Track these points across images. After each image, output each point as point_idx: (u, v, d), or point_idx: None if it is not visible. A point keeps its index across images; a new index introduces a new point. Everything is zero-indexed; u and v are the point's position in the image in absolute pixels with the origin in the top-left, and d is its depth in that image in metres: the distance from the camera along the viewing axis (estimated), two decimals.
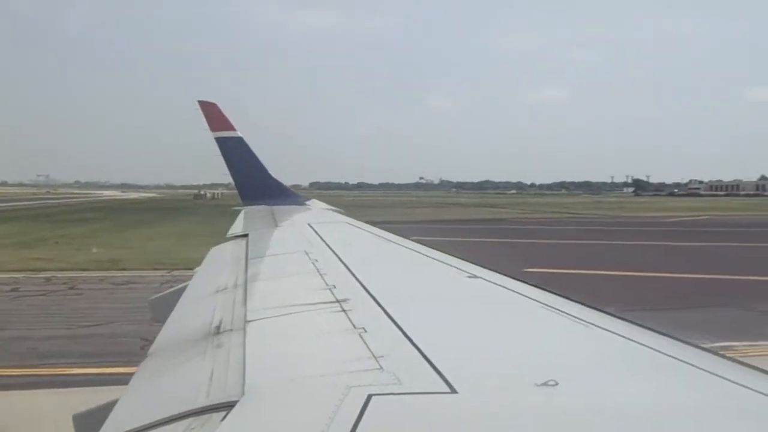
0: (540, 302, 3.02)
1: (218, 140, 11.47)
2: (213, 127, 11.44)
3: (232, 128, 11.55)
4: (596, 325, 2.56)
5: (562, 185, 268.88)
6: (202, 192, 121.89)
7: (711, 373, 1.95)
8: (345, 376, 1.90)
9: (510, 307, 3.10)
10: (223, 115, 11.56)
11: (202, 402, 1.92)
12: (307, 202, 11.96)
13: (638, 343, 2.30)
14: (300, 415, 1.71)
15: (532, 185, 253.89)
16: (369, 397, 1.70)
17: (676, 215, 65.65)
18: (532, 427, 1.60)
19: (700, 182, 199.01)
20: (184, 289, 4.51)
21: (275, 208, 10.08)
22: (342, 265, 4.18)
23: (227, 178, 12.15)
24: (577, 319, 2.67)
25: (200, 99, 11.62)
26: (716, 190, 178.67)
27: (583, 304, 2.97)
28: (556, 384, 1.77)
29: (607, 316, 2.73)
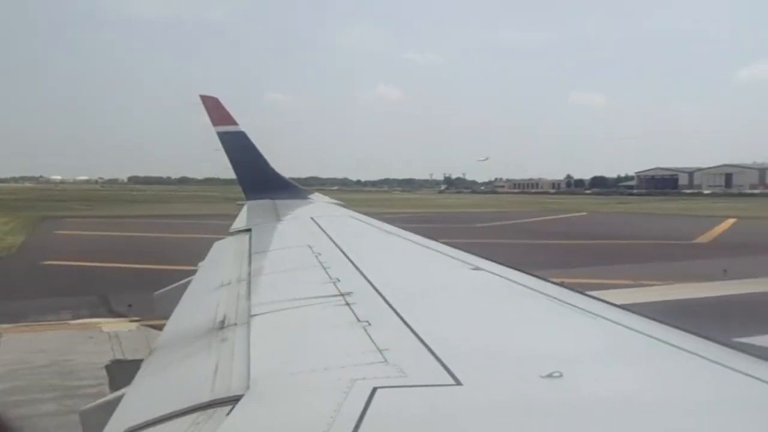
0: (543, 293, 3.01)
1: (220, 134, 11.41)
2: (215, 122, 11.38)
3: (234, 122, 11.50)
4: (600, 316, 2.56)
5: (386, 182, 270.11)
6: None
7: (718, 363, 1.94)
8: (350, 370, 1.91)
9: (514, 298, 3.10)
10: (224, 110, 11.50)
11: (207, 396, 1.91)
12: (310, 196, 11.84)
13: (643, 333, 2.29)
14: (305, 408, 1.71)
15: (358, 181, 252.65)
16: (374, 390, 1.70)
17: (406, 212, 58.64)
18: (537, 418, 1.59)
19: (506, 180, 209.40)
20: (188, 283, 4.52)
21: (278, 202, 10.06)
22: (346, 259, 4.18)
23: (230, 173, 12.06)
24: (581, 310, 2.66)
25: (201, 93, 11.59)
26: (519, 187, 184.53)
27: (586, 294, 2.96)
28: (561, 375, 1.77)
29: (612, 307, 2.72)
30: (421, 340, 2.17)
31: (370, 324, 2.45)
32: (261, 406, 1.77)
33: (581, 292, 3.01)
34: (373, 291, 3.07)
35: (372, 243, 5.93)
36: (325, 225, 6.56)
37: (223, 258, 5.46)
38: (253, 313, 2.87)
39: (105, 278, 19.31)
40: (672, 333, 2.30)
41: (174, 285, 4.95)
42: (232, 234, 7.01)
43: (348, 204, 10.73)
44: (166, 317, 3.58)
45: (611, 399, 1.72)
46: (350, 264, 3.95)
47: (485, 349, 2.19)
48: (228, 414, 1.71)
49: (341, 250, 4.58)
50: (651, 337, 2.25)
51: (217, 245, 6.46)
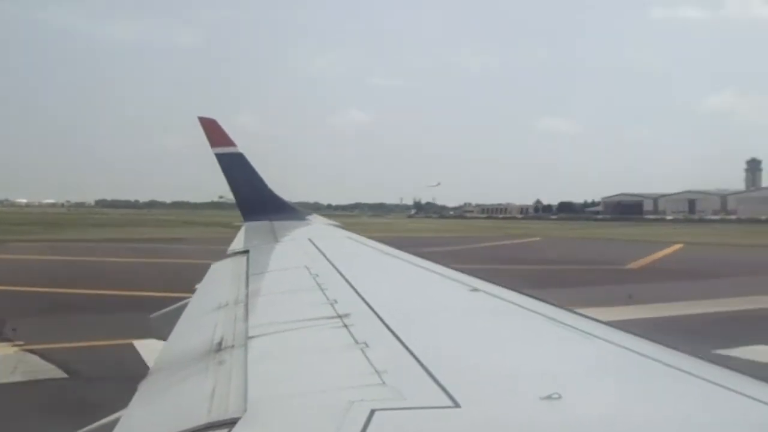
0: (541, 314, 3.00)
1: (218, 156, 11.40)
2: (213, 143, 11.37)
3: (232, 144, 11.50)
4: (598, 337, 2.56)
5: (357, 206, 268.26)
6: None
7: (716, 384, 1.94)
8: (347, 392, 1.89)
9: (512, 319, 3.10)
10: (222, 131, 11.51)
11: (204, 419, 1.90)
12: (308, 217, 11.84)
13: (641, 354, 2.29)
14: (303, 430, 1.71)
15: (329, 205, 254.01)
16: (372, 412, 1.69)
17: None
18: None
19: (475, 205, 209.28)
20: (185, 305, 4.49)
21: (276, 223, 10.02)
22: (343, 280, 4.16)
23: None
24: (579, 331, 2.66)
25: (199, 115, 11.56)
26: (487, 212, 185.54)
27: (584, 315, 2.96)
28: (560, 397, 1.76)
29: (609, 328, 2.72)
30: (419, 362, 2.17)
31: (367, 346, 2.44)
32: (258, 428, 1.76)
33: (579, 314, 3.01)
34: (371, 312, 3.06)
35: (370, 264, 5.93)
36: (323, 246, 6.52)
37: (220, 279, 5.45)
38: (250, 335, 2.86)
39: (8, 301, 18.75)
40: (670, 354, 2.30)
41: (171, 307, 4.92)
42: (229, 256, 6.98)
43: None
44: (163, 338, 3.57)
45: (610, 419, 1.72)
46: (348, 285, 3.94)
47: (483, 371, 2.19)
48: None
49: (339, 272, 4.56)
50: (649, 357, 2.25)
51: (214, 266, 6.45)
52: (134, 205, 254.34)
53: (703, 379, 1.99)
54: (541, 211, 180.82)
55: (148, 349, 8.38)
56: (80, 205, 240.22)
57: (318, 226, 10.77)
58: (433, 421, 1.69)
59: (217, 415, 1.92)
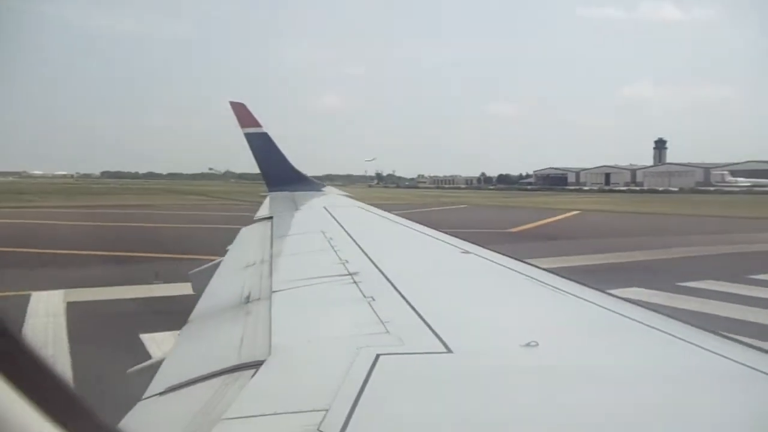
0: (524, 275, 3.01)
1: (246, 135, 11.48)
2: (242, 124, 11.45)
3: (258, 125, 11.53)
4: (574, 295, 2.57)
5: (328, 177, 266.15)
6: None
7: (674, 336, 1.96)
8: (356, 339, 1.92)
9: (497, 278, 3.10)
10: (250, 114, 11.54)
11: (234, 361, 1.94)
12: (323, 189, 11.90)
13: (609, 310, 2.30)
14: (319, 371, 1.73)
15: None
16: (377, 356, 1.72)
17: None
18: (516, 380, 1.62)
19: (428, 177, 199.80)
20: (219, 264, 4.53)
21: (296, 194, 10.03)
22: (353, 243, 4.18)
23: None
24: (556, 290, 2.67)
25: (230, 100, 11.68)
26: (436, 183, 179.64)
27: (562, 276, 2.96)
28: (537, 345, 1.78)
29: (584, 287, 2.72)
30: (418, 314, 2.19)
31: (374, 299, 2.46)
32: (281, 369, 1.79)
33: (558, 274, 3.01)
34: (377, 271, 3.07)
35: (376, 229, 5.91)
36: (336, 214, 6.55)
37: (248, 242, 5.48)
38: (274, 289, 2.88)
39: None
40: (636, 310, 2.31)
41: (206, 265, 4.94)
42: (256, 221, 7.01)
43: None
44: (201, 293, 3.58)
45: (580, 365, 1.74)
46: (357, 247, 3.96)
47: (473, 322, 2.20)
48: (252, 376, 1.73)
49: (350, 236, 4.58)
50: (616, 313, 2.26)
51: (243, 231, 6.45)
52: (134, 176, 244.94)
53: (665, 332, 2.00)
54: (483, 182, 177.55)
55: (154, 341, 8.27)
56: (87, 176, 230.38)
57: (332, 196, 10.74)
58: (430, 364, 1.71)
59: (245, 358, 1.95)
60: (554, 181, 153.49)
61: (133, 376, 2.62)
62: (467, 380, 1.62)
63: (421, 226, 5.29)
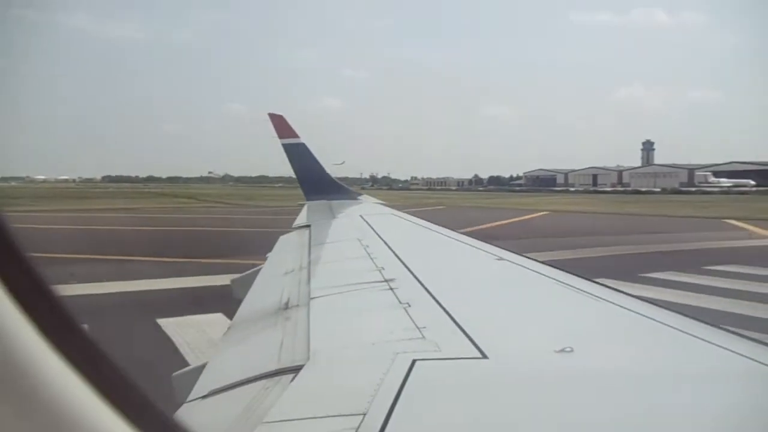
0: (557, 280, 3.00)
1: (284, 146, 11.68)
2: (280, 135, 11.65)
3: (296, 135, 11.74)
4: (607, 300, 2.55)
5: None
6: None
7: (709, 342, 1.94)
8: (393, 344, 1.94)
9: (531, 284, 3.09)
10: (288, 125, 11.75)
11: (274, 365, 1.98)
12: (360, 197, 11.99)
13: (644, 315, 2.28)
14: (356, 376, 1.75)
15: None
16: (413, 361, 1.74)
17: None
18: (550, 385, 1.62)
19: (421, 178, 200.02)
20: (259, 271, 4.59)
21: (333, 202, 10.13)
22: (389, 251, 4.21)
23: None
24: (589, 295, 2.65)
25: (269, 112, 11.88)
26: (429, 185, 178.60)
27: (593, 281, 2.94)
28: (572, 350, 1.78)
29: (616, 293, 2.70)
30: (453, 320, 2.20)
31: (410, 306, 2.47)
32: (319, 374, 1.82)
33: (589, 279, 2.99)
34: (413, 278, 3.08)
35: (411, 236, 5.94)
36: (372, 222, 6.60)
37: (287, 249, 5.54)
38: (312, 296, 2.91)
39: None
40: (668, 315, 2.29)
41: (247, 272, 5.01)
42: (294, 229, 7.10)
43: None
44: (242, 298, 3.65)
45: (613, 370, 1.73)
46: (393, 255, 3.98)
47: (507, 328, 2.22)
48: (292, 380, 1.77)
49: (385, 243, 4.61)
50: (650, 318, 2.24)
51: (282, 238, 6.54)
52: (134, 180, 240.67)
53: (699, 338, 1.98)
54: (474, 184, 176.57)
55: (171, 325, 8.84)
56: (88, 180, 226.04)
57: (368, 204, 10.82)
58: (465, 370, 1.72)
59: (285, 362, 1.99)
60: (543, 183, 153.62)
61: (177, 381, 2.66)
62: (502, 385, 1.63)
63: (457, 234, 5.31)
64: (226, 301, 5.41)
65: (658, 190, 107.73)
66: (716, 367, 1.77)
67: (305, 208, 9.74)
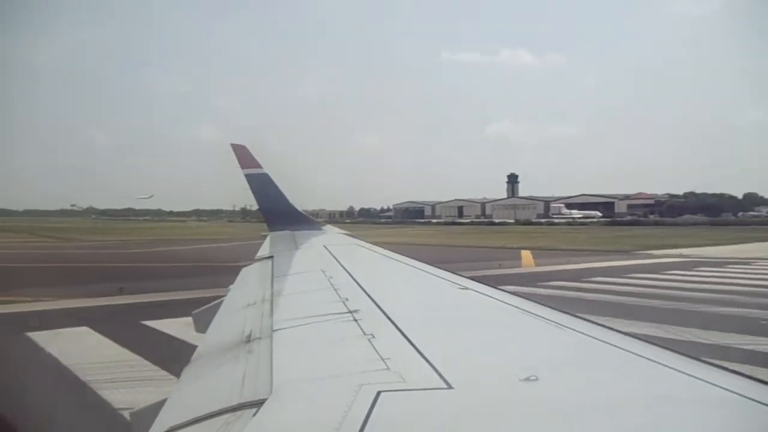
0: (522, 309, 3.02)
1: (247, 176, 11.47)
2: (243, 165, 11.47)
3: (258, 166, 11.60)
4: (572, 328, 2.56)
5: (195, 212, 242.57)
6: None
7: (675, 369, 1.95)
8: (357, 376, 1.92)
9: (496, 314, 3.11)
10: (251, 155, 11.64)
11: (236, 400, 1.94)
12: (323, 228, 11.89)
13: (610, 344, 2.29)
14: (320, 409, 1.73)
15: (171, 212, 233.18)
16: (378, 393, 1.72)
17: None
18: (516, 415, 1.62)
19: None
20: (221, 303, 4.51)
21: (296, 233, 10.02)
22: (353, 281, 4.18)
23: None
24: (555, 323, 2.67)
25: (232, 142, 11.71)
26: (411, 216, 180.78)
27: (559, 310, 2.96)
28: (537, 379, 1.79)
29: (582, 321, 2.72)
30: (418, 350, 2.19)
31: (374, 337, 2.46)
32: (282, 408, 1.78)
33: (554, 308, 3.01)
34: (377, 308, 3.07)
35: (375, 267, 5.88)
36: (336, 252, 6.55)
37: (249, 281, 5.45)
38: (275, 328, 2.88)
39: None
40: (635, 344, 2.31)
41: (209, 305, 4.88)
42: (257, 260, 6.96)
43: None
44: (203, 332, 3.56)
45: (579, 400, 1.73)
46: (357, 286, 3.94)
47: (472, 358, 2.21)
48: (254, 415, 1.73)
49: (349, 274, 4.57)
50: (617, 347, 2.25)
51: (244, 270, 6.42)
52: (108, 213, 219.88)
53: (667, 366, 2.00)
54: (345, 216, 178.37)
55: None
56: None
57: (332, 235, 10.73)
58: (430, 401, 1.71)
59: (247, 396, 1.95)
60: (411, 215, 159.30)
61: (136, 418, 2.56)
62: (468, 415, 1.62)
63: (421, 263, 5.31)
64: None
65: (512, 221, 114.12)
66: (683, 394, 1.78)
67: (268, 239, 9.64)
